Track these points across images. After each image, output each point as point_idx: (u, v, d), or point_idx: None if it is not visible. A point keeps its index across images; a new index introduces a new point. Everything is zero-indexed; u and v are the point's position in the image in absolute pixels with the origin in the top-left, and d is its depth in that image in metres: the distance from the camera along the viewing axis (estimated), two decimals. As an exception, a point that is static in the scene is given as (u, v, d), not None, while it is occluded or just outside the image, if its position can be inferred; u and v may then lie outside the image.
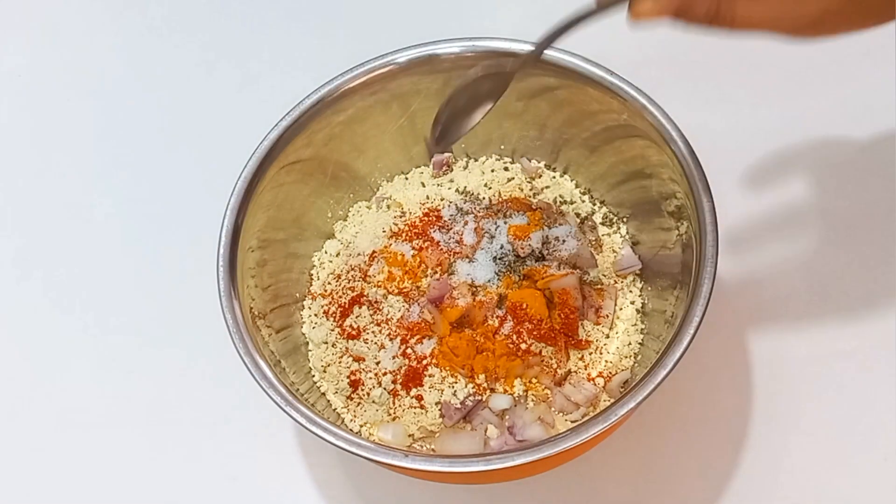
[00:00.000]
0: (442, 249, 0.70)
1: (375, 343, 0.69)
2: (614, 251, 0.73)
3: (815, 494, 0.69)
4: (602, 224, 0.74)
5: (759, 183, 0.82)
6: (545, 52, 0.63)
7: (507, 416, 0.66)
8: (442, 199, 0.75)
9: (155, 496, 0.74)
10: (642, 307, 0.70)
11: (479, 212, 0.72)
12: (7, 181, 0.90)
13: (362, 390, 0.68)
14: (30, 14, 1.00)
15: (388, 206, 0.75)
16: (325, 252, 0.75)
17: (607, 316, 0.69)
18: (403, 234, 0.72)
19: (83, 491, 0.74)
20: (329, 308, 0.71)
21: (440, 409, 0.66)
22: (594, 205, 0.75)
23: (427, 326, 0.68)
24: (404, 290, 0.70)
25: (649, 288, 0.71)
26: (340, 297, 0.71)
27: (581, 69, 0.67)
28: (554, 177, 0.77)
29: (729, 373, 0.74)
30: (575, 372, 0.67)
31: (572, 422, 0.66)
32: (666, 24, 0.54)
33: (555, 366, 0.67)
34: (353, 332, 0.70)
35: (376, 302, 0.70)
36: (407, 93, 0.73)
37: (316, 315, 0.72)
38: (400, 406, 0.67)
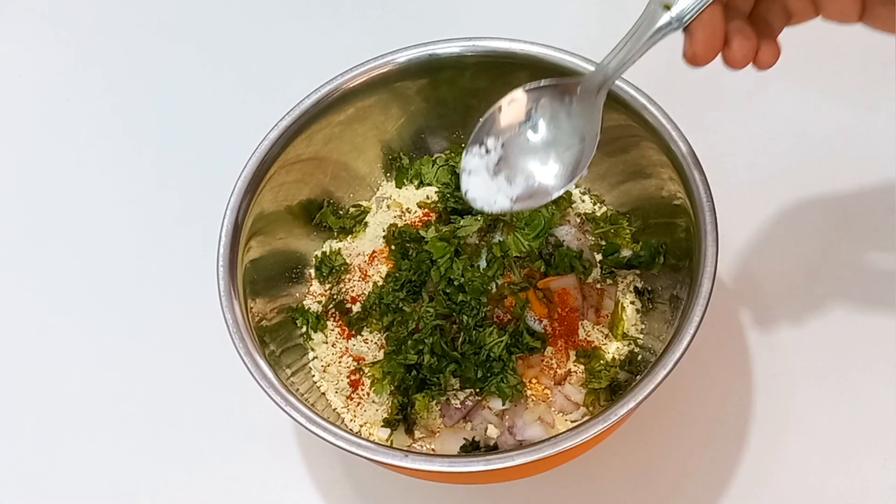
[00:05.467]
0: (442, 249, 0.70)
1: (375, 343, 0.69)
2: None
3: (815, 495, 0.69)
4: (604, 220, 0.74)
5: (759, 183, 0.82)
6: (547, 53, 0.64)
7: (506, 416, 0.66)
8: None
9: (155, 496, 0.74)
10: (642, 307, 0.70)
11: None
12: (6, 181, 0.90)
13: (362, 390, 0.68)
14: (30, 14, 1.00)
15: (388, 206, 0.75)
16: (325, 252, 0.74)
17: (607, 316, 0.69)
18: (403, 234, 0.72)
19: (83, 491, 0.74)
20: (328, 308, 0.71)
21: (440, 409, 0.66)
22: (594, 204, 0.75)
23: (427, 326, 0.68)
24: (404, 290, 0.70)
25: (649, 288, 0.71)
26: (340, 297, 0.71)
27: (581, 69, 0.67)
28: (554, 177, 0.77)
29: (729, 373, 0.74)
30: (575, 372, 0.68)
31: (572, 422, 0.66)
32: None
33: (555, 366, 0.67)
34: (353, 332, 0.70)
35: (376, 301, 0.70)
36: (407, 93, 0.73)
37: (316, 315, 0.72)
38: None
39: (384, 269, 0.71)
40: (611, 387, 0.67)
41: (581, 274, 0.69)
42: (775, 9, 0.56)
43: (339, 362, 0.70)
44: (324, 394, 0.69)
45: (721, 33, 0.53)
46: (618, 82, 0.66)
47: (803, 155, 0.83)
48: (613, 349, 0.69)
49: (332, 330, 0.71)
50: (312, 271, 0.74)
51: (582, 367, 0.67)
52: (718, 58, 0.54)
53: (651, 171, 0.69)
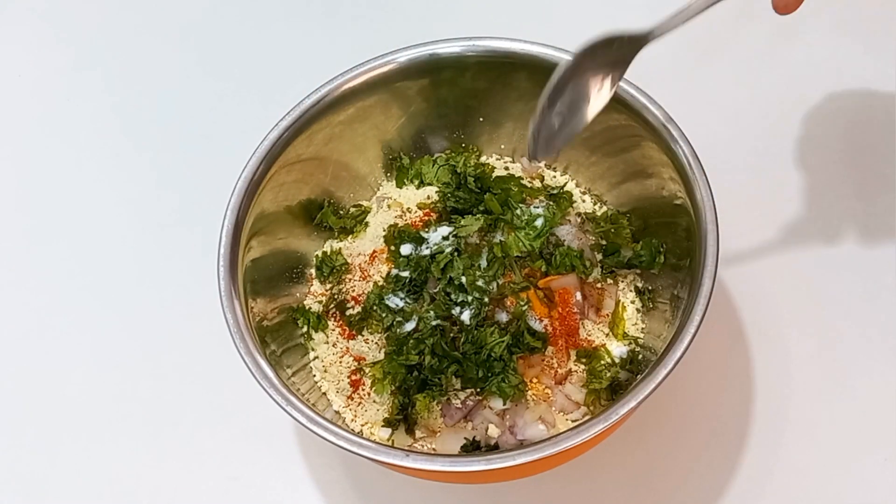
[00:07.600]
0: (442, 249, 0.70)
1: (376, 343, 0.69)
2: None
3: (815, 495, 0.69)
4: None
5: (759, 182, 0.82)
6: (548, 52, 0.64)
7: (507, 416, 0.66)
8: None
9: (155, 496, 0.74)
10: (643, 306, 0.70)
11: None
12: (6, 181, 0.90)
13: (363, 390, 0.68)
14: (30, 14, 1.00)
15: (388, 206, 0.75)
16: (326, 252, 0.74)
17: (607, 316, 0.69)
18: (404, 234, 0.72)
19: (83, 491, 0.74)
20: (329, 308, 0.71)
21: (441, 409, 0.66)
22: (595, 204, 0.75)
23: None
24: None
25: (649, 287, 0.71)
26: (341, 297, 0.71)
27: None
28: (554, 177, 0.77)
29: (729, 373, 0.74)
30: (575, 371, 0.68)
31: (573, 421, 0.66)
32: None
33: (555, 365, 0.67)
34: (353, 332, 0.70)
35: (376, 302, 0.70)
36: (407, 93, 0.73)
37: (316, 315, 0.72)
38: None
39: (385, 269, 0.71)
40: (611, 386, 0.67)
41: (582, 273, 0.69)
42: None
43: (340, 362, 0.70)
44: (325, 394, 0.69)
45: None
46: (619, 82, 0.66)
47: (804, 155, 0.83)
48: (614, 349, 0.69)
49: (333, 330, 0.71)
50: (313, 271, 0.74)
51: (582, 366, 0.67)
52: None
53: (652, 171, 0.69)
